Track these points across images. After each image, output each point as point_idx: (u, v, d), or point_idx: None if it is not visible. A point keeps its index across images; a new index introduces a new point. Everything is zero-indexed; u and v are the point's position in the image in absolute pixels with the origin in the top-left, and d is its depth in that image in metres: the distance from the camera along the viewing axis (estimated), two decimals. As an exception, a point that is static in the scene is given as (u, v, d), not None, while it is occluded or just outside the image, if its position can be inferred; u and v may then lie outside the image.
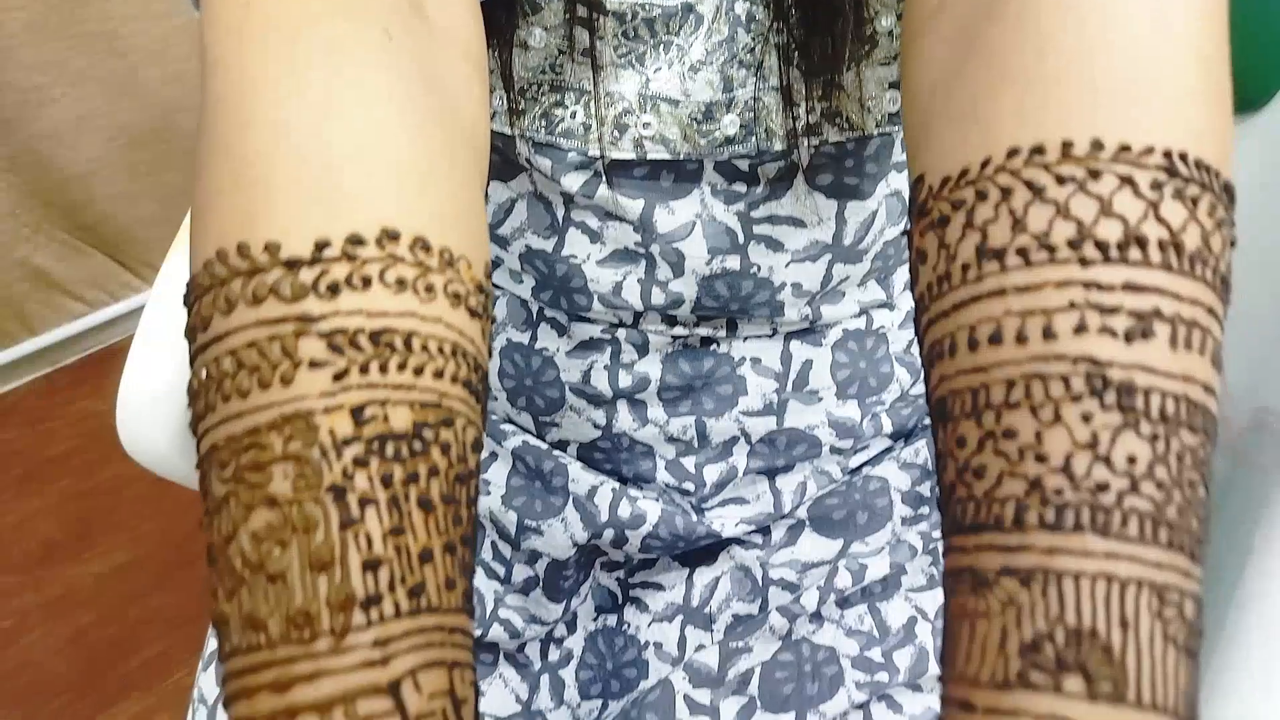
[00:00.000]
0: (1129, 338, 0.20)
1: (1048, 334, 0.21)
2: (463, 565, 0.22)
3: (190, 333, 0.22)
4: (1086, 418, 0.20)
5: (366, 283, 0.21)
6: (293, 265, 0.21)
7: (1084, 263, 0.20)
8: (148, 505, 1.27)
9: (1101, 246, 0.20)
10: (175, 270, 0.57)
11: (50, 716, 1.06)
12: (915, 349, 0.47)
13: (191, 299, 0.22)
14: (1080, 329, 0.20)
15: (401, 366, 0.21)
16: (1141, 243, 0.20)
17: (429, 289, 0.22)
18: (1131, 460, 0.20)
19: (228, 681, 0.20)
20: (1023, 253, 0.21)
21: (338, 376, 0.21)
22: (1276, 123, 0.64)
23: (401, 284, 0.22)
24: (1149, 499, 0.20)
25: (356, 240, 0.21)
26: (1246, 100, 0.64)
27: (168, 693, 1.09)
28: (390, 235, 0.22)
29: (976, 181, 0.22)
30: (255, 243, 0.21)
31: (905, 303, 0.46)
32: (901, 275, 0.45)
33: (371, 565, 0.20)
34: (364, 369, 0.21)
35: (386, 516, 0.20)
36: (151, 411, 0.55)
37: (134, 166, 1.32)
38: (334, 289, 0.21)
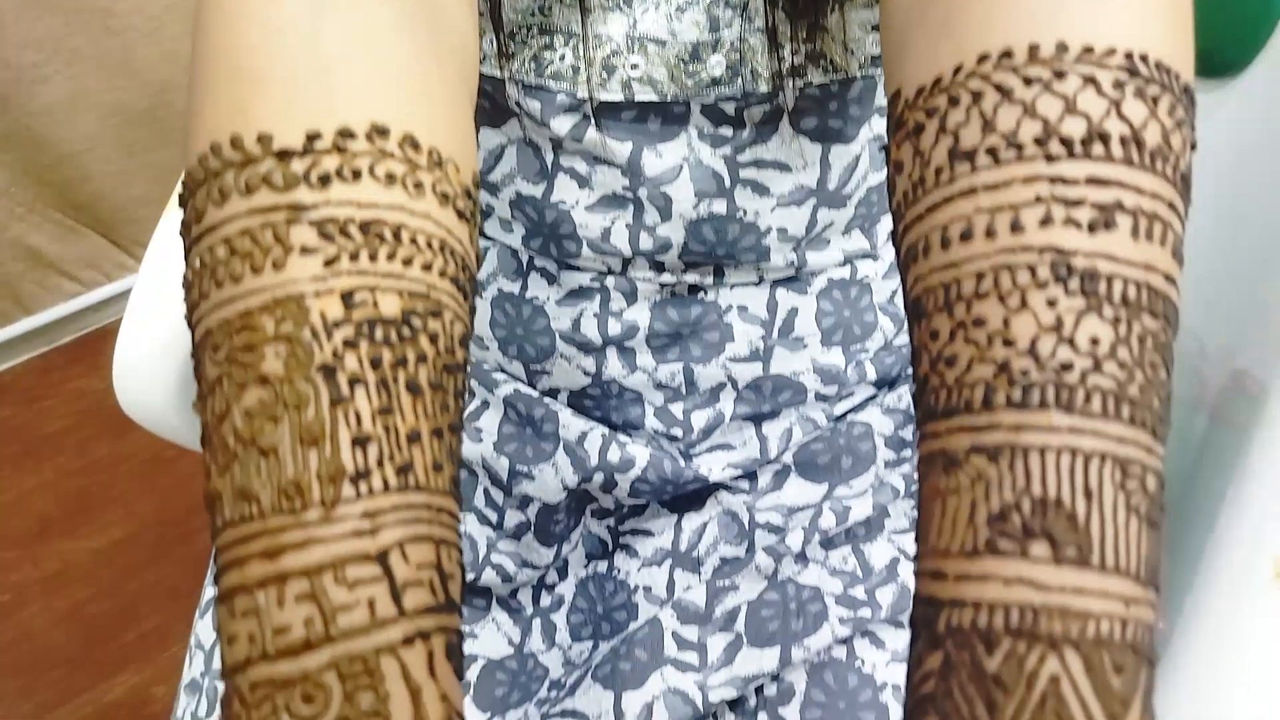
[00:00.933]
0: (1092, 228, 0.21)
1: (1015, 227, 0.21)
2: (450, 452, 0.23)
3: (185, 227, 0.23)
4: (1051, 303, 0.21)
5: (356, 175, 0.22)
6: (284, 156, 0.22)
7: (1049, 159, 0.21)
8: (144, 482, 1.28)
9: (1066, 143, 0.21)
10: (170, 231, 0.58)
11: (48, 689, 1.07)
12: (899, 299, 0.48)
13: (186, 194, 0.23)
14: (1046, 221, 0.21)
15: (391, 256, 0.22)
16: (1104, 139, 0.21)
17: (418, 186, 0.23)
18: (1094, 342, 0.21)
19: (219, 555, 0.21)
20: (992, 152, 0.22)
21: (328, 262, 0.21)
22: (1254, 88, 0.65)
23: (391, 179, 0.22)
24: (1111, 377, 0.20)
25: (347, 134, 0.22)
26: (1225, 65, 0.65)
27: (164, 665, 1.10)
28: (379, 131, 0.23)
29: (949, 88, 0.23)
30: (248, 135, 0.22)
31: (888, 253, 0.47)
32: (884, 226, 0.46)
33: (361, 441, 0.21)
34: (354, 256, 0.22)
35: (375, 396, 0.21)
36: (147, 369, 0.56)
37: (128, 145, 1.32)
38: (325, 180, 0.22)
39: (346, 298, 0.21)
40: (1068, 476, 0.20)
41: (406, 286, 0.22)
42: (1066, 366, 0.21)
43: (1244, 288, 0.64)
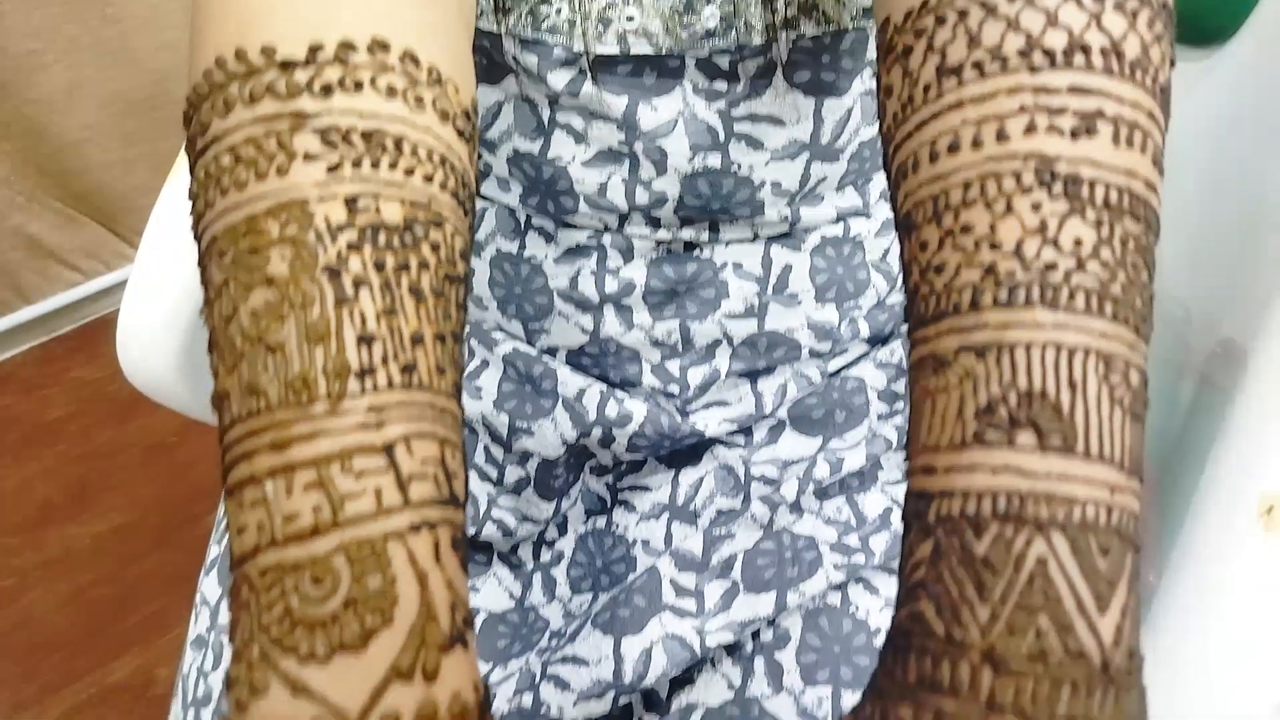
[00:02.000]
0: (1074, 135, 0.22)
1: (1001, 136, 0.22)
2: (452, 358, 0.24)
3: (190, 142, 0.24)
4: (1036, 206, 0.22)
5: (358, 86, 0.23)
6: (288, 66, 0.23)
7: (1033, 70, 0.22)
8: (144, 469, 1.28)
9: (1049, 54, 0.22)
10: (171, 201, 0.58)
11: (51, 671, 1.08)
12: (891, 258, 0.48)
13: (190, 110, 0.24)
14: (1030, 129, 0.22)
15: (393, 166, 0.23)
16: (1085, 50, 0.22)
17: (418, 100, 0.24)
18: (1078, 242, 0.21)
19: (227, 452, 0.22)
20: (978, 66, 0.23)
21: (332, 169, 0.22)
22: (1241, 56, 0.66)
23: (392, 91, 0.23)
24: (1094, 276, 0.21)
25: (348, 46, 0.23)
26: (1213, 33, 0.66)
27: (166, 648, 1.10)
28: (381, 45, 0.23)
29: (936, 8, 0.24)
30: (252, 47, 0.23)
31: (881, 212, 0.48)
32: (876, 184, 0.47)
33: (365, 340, 0.22)
34: (356, 164, 0.22)
35: (379, 298, 0.22)
36: (151, 339, 0.57)
37: (127, 135, 1.32)
38: (327, 89, 0.22)
39: (350, 203, 0.22)
40: (1053, 370, 0.21)
41: (408, 195, 0.23)
42: (1051, 266, 0.21)
43: (1229, 256, 0.64)
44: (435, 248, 0.24)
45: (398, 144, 0.23)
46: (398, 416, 0.22)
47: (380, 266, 0.22)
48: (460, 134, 0.25)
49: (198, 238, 0.24)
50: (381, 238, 0.23)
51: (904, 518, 0.23)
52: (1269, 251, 0.60)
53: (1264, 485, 0.39)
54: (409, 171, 0.23)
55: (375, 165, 0.23)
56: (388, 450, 0.21)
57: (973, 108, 0.23)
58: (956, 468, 0.21)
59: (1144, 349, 0.22)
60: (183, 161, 0.59)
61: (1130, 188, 0.22)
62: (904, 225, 0.25)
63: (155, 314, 0.55)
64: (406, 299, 0.23)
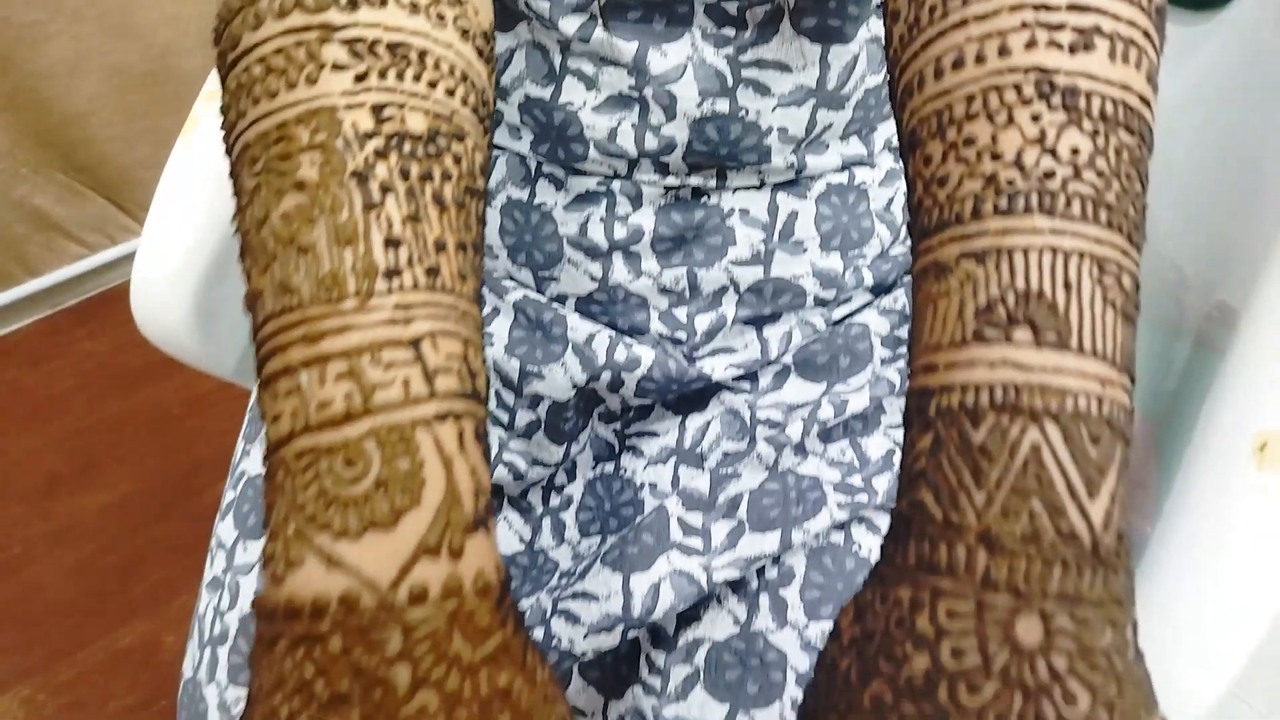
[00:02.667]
0: (1073, 50, 0.23)
1: (1003, 52, 0.23)
2: (473, 266, 0.25)
3: (221, 56, 0.25)
4: (1035, 118, 0.23)
5: (383, 1, 0.24)
6: None
7: None
8: (149, 441, 1.29)
9: None
10: (184, 153, 0.59)
11: (60, 638, 1.09)
12: (895, 208, 0.49)
13: (221, 26, 0.25)
14: (1031, 44, 0.23)
15: (417, 78, 0.24)
16: None
17: (440, 17, 0.25)
18: (1075, 152, 0.22)
19: (261, 347, 0.23)
20: None
21: (359, 78, 0.23)
22: (1240, 21, 0.67)
23: (415, 7, 0.24)
24: (1090, 185, 0.22)
25: None
26: (1213, -3, 0.67)
27: (172, 615, 1.12)
28: None
29: None
30: None
31: (885, 161, 0.49)
32: (881, 134, 0.48)
33: (392, 243, 0.23)
34: (382, 74, 0.23)
35: (404, 204, 0.23)
36: (162, 290, 0.58)
37: (130, 108, 1.33)
38: (353, 3, 0.23)
39: (376, 111, 0.23)
40: (1049, 271, 0.22)
41: (432, 107, 0.24)
42: (1049, 175, 0.22)
43: (1225, 220, 0.65)
44: (457, 160, 0.25)
45: (421, 57, 0.24)
46: (423, 315, 0.23)
47: (405, 174, 0.23)
48: (479, 53, 0.26)
49: (230, 148, 0.25)
50: (407, 146, 0.23)
51: (905, 415, 0.24)
52: (1264, 215, 0.61)
53: (1258, 424, 0.40)
54: (432, 84, 0.24)
55: (400, 76, 0.23)
56: (414, 345, 0.22)
57: (976, 25, 0.24)
58: (956, 364, 0.22)
59: (1136, 256, 0.23)
60: (194, 122, 0.60)
61: (1125, 101, 0.23)
62: (909, 143, 0.26)
63: (168, 266, 0.56)
64: (430, 206, 0.24)
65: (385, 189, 0.23)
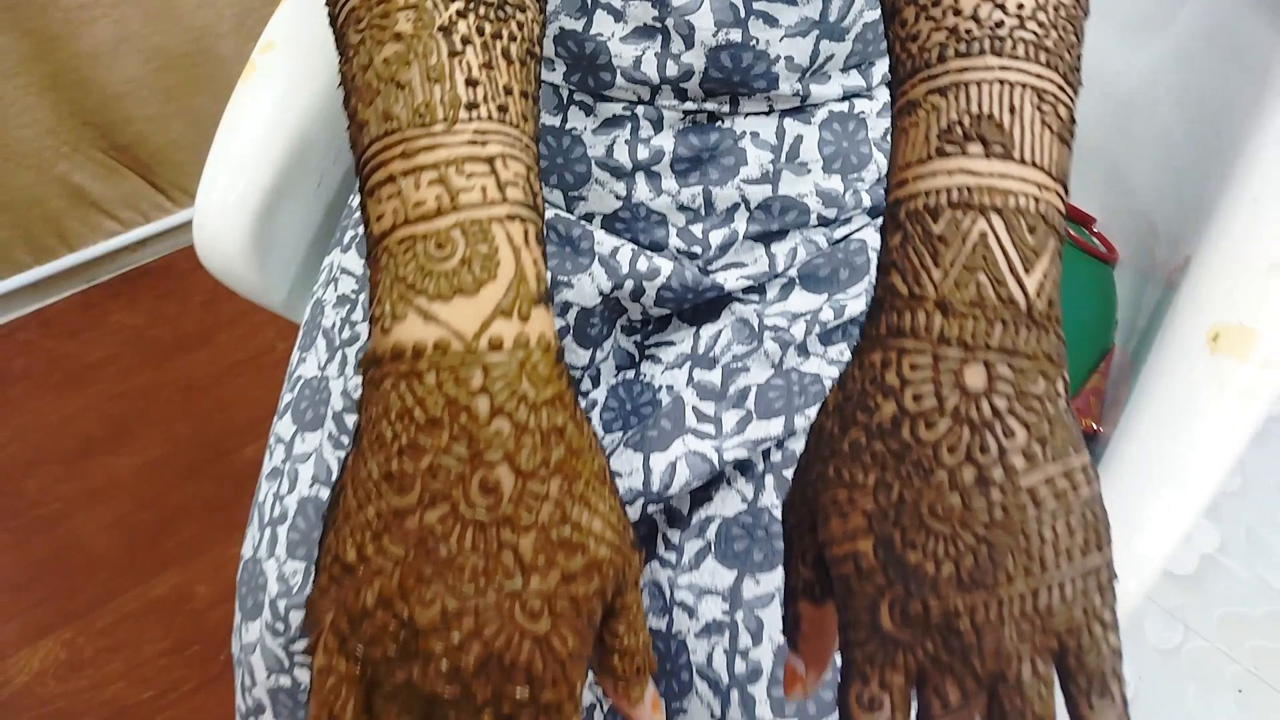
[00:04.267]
0: None
1: None
2: (534, 112, 0.30)
3: None
4: None
5: None
6: None
7: None
8: (180, 407, 1.35)
9: None
10: (247, 94, 0.64)
11: (96, 587, 1.14)
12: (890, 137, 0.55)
13: None
14: None
15: None
16: None
17: None
18: (1020, 6, 0.28)
19: (366, 165, 0.28)
20: None
21: None
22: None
23: None
24: (1032, 33, 0.27)
25: None
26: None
27: (204, 567, 1.17)
28: None
29: None
30: None
31: (882, 95, 0.54)
32: (879, 68, 0.53)
33: (471, 83, 0.28)
34: None
35: (480, 54, 0.28)
36: (222, 221, 0.63)
37: (167, 90, 1.39)
38: None
39: None
40: (997, 99, 0.27)
41: None
42: (999, 24, 0.28)
43: (1196, 182, 0.70)
44: (520, 25, 0.30)
45: None
46: (496, 140, 0.28)
47: (481, 31, 0.29)
48: None
49: (335, 14, 0.30)
50: (481, 9, 0.29)
51: (882, 226, 0.29)
52: (1232, 175, 0.66)
53: (1211, 318, 0.46)
54: None
55: None
56: (489, 161, 0.28)
57: None
58: (922, 175, 0.27)
59: (1071, 93, 0.28)
60: (251, 68, 0.65)
61: None
62: (889, 13, 0.31)
63: (227, 199, 0.61)
64: (500, 59, 0.29)
65: (465, 41, 0.28)
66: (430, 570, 0.25)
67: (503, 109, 0.29)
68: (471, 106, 0.28)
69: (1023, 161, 0.27)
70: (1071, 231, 0.73)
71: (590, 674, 0.28)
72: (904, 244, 0.27)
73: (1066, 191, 0.28)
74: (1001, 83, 0.27)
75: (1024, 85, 0.27)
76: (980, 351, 0.25)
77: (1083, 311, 0.70)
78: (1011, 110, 0.27)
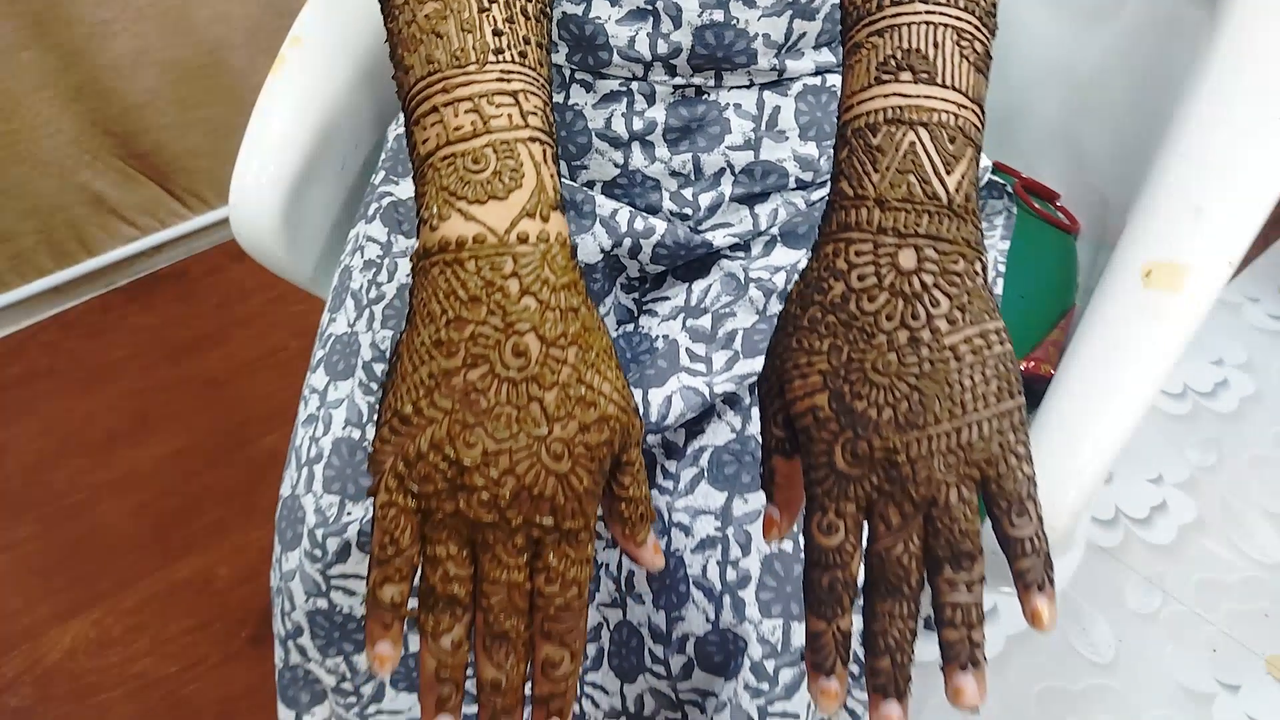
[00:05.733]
0: None
1: None
2: (548, 60, 0.36)
3: None
4: None
5: None
6: None
7: None
8: (199, 401, 1.41)
9: None
10: (279, 80, 0.70)
11: (122, 570, 1.20)
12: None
13: None
14: None
15: None
16: None
17: None
18: None
19: (412, 101, 0.34)
20: None
21: None
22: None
23: None
24: None
25: None
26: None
27: (227, 551, 1.22)
28: None
29: None
30: None
31: (852, 71, 0.60)
32: (848, 47, 0.59)
33: (497, 33, 0.34)
34: None
35: (504, 9, 0.35)
36: (257, 200, 0.69)
37: (183, 100, 1.46)
38: None
39: None
40: (924, 36, 0.33)
41: None
42: None
43: (1144, 155, 0.76)
44: None
45: None
46: (519, 79, 0.34)
47: None
48: None
49: None
50: None
51: (834, 145, 0.35)
52: (1165, 133, 0.71)
53: (1146, 256, 0.52)
54: None
55: None
56: (514, 95, 0.34)
57: None
58: (864, 99, 0.34)
59: (986, 32, 0.34)
60: (281, 60, 0.72)
61: None
62: None
63: (263, 175, 0.67)
64: (519, 15, 0.35)
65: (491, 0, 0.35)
66: (473, 419, 0.30)
67: (523, 55, 0.35)
68: (498, 52, 0.34)
69: (944, 85, 0.33)
70: (1038, 205, 0.79)
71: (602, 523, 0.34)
72: (850, 155, 0.33)
73: (983, 110, 0.34)
74: (927, 23, 0.33)
75: (945, 25, 0.33)
76: (911, 238, 0.31)
77: (1049, 274, 0.76)
78: (935, 45, 0.33)
